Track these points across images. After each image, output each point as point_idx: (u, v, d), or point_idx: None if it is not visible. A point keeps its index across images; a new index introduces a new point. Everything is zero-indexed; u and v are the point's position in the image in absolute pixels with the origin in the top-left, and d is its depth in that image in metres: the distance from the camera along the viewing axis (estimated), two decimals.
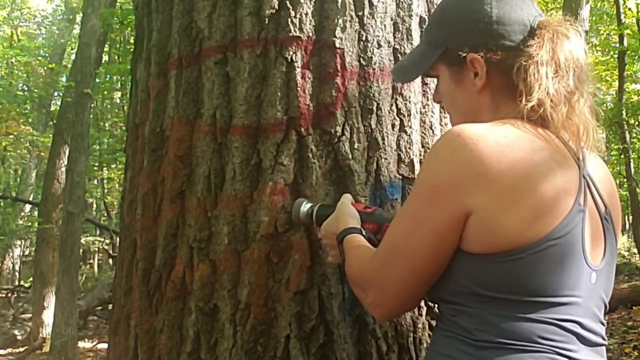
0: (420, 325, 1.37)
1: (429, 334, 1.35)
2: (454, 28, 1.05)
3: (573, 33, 1.00)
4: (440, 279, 0.96)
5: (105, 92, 12.15)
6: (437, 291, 0.98)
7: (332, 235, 1.17)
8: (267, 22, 1.35)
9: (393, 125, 1.40)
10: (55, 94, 12.18)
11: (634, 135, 12.91)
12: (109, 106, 14.42)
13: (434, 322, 1.33)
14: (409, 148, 1.41)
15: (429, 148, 1.43)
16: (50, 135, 10.43)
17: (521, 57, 0.97)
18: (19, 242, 15.29)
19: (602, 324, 0.97)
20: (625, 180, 12.47)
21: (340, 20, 1.37)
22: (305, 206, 1.28)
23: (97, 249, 15.51)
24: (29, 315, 9.37)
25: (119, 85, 12.88)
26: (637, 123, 12.89)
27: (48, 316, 8.10)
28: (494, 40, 1.00)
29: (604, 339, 0.96)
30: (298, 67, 1.34)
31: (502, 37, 1.00)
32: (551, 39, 0.98)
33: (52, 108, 12.37)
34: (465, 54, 1.01)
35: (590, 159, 1.00)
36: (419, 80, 1.46)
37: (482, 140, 0.90)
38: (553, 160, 0.92)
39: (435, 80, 1.13)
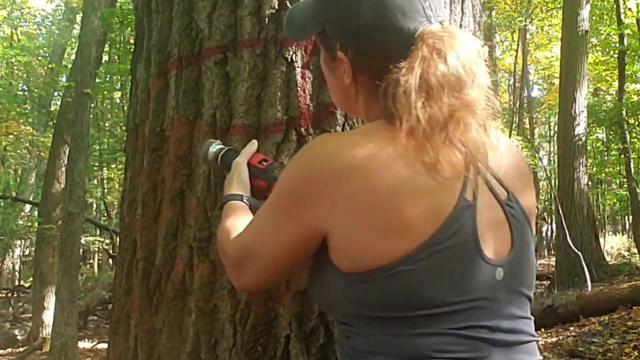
0: None
1: None
2: (331, 17, 0.96)
3: (456, 45, 0.89)
4: (326, 300, 0.94)
5: (105, 92, 12.15)
6: (329, 312, 0.96)
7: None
8: (267, 22, 1.35)
9: None
10: (55, 93, 12.18)
11: (634, 135, 12.91)
12: (109, 106, 14.43)
13: None
14: None
15: None
16: (50, 135, 10.43)
17: (389, 79, 0.88)
18: (19, 242, 15.28)
19: (527, 318, 0.91)
20: (625, 180, 12.47)
21: None
22: (215, 147, 1.26)
23: (97, 249, 15.52)
24: (29, 315, 9.37)
25: (119, 85, 12.87)
26: (637, 123, 12.89)
27: (48, 316, 8.10)
28: (363, 45, 0.93)
29: (532, 335, 0.91)
30: (298, 67, 1.34)
31: (373, 45, 0.92)
32: (424, 58, 0.88)
33: (52, 108, 12.37)
34: (336, 48, 0.95)
35: (492, 145, 0.90)
36: None
37: (336, 155, 0.86)
38: (419, 163, 0.84)
39: None
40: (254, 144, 1.24)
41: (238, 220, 1.06)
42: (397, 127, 0.86)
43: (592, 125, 12.20)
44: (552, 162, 20.70)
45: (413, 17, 0.90)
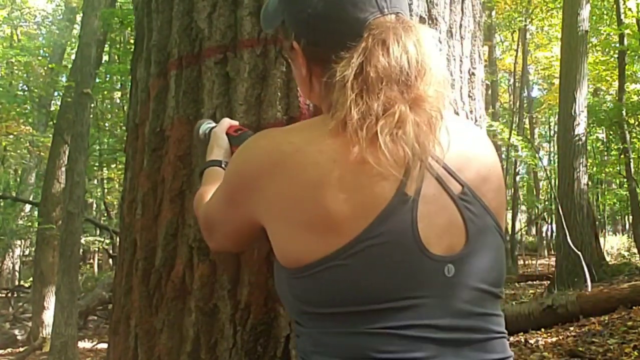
0: None
1: None
2: (287, 6, 0.96)
3: (404, 37, 0.86)
4: (280, 296, 0.95)
5: (105, 92, 12.16)
6: (286, 309, 0.98)
7: None
8: None
9: None
10: (55, 93, 12.18)
11: (634, 135, 12.92)
12: (109, 106, 14.43)
13: None
14: None
15: None
16: (50, 135, 10.43)
17: (331, 70, 0.87)
18: (19, 242, 15.27)
19: (489, 314, 0.87)
20: (625, 180, 12.47)
21: None
22: (205, 125, 1.29)
23: (97, 249, 15.52)
24: (29, 315, 9.37)
25: (119, 85, 12.88)
26: (637, 123, 12.90)
27: (48, 316, 8.10)
28: (313, 35, 0.91)
29: (496, 332, 0.87)
30: None
31: (322, 35, 0.90)
32: (365, 49, 0.85)
33: (52, 108, 12.37)
34: (291, 38, 0.95)
35: (439, 141, 0.85)
36: None
37: (266, 150, 0.87)
38: (348, 158, 0.82)
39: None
40: (226, 120, 1.27)
41: (211, 188, 1.09)
42: (328, 121, 0.85)
43: (592, 125, 12.20)
44: (552, 162, 20.70)
45: (363, 7, 0.88)
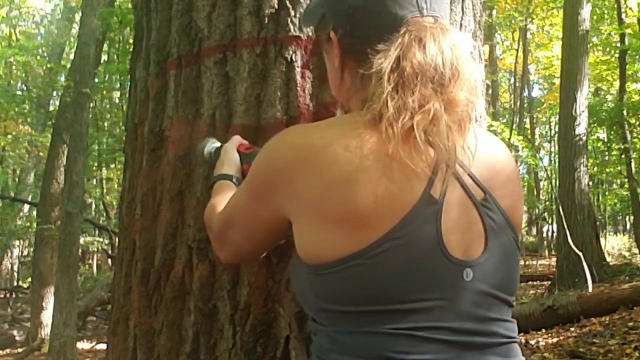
0: None
1: None
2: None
3: (441, 38, 0.87)
4: (297, 293, 0.96)
5: (104, 92, 12.19)
6: (303, 307, 0.97)
7: None
8: (266, 21, 1.35)
9: None
10: (54, 93, 12.19)
11: (635, 135, 12.92)
12: (108, 106, 14.45)
13: None
14: None
15: None
16: (49, 135, 10.44)
17: (368, 63, 0.87)
18: (17, 243, 15.29)
19: (502, 320, 0.88)
20: (626, 180, 12.48)
21: None
22: (211, 146, 1.29)
23: (96, 249, 15.54)
24: (28, 316, 9.38)
25: (118, 85, 12.89)
26: (638, 123, 12.90)
27: (47, 317, 8.10)
28: (351, 26, 0.92)
29: (508, 337, 0.88)
30: (298, 66, 1.33)
31: (359, 27, 0.91)
32: (402, 45, 0.86)
33: (51, 108, 12.39)
34: (329, 28, 0.96)
35: (466, 146, 0.86)
36: None
37: (296, 144, 0.87)
38: (380, 155, 0.82)
39: None
40: (236, 137, 1.28)
41: (224, 198, 1.08)
42: (364, 113, 0.85)
43: (593, 125, 12.20)
44: (552, 162, 20.73)
45: (403, 4, 0.90)
